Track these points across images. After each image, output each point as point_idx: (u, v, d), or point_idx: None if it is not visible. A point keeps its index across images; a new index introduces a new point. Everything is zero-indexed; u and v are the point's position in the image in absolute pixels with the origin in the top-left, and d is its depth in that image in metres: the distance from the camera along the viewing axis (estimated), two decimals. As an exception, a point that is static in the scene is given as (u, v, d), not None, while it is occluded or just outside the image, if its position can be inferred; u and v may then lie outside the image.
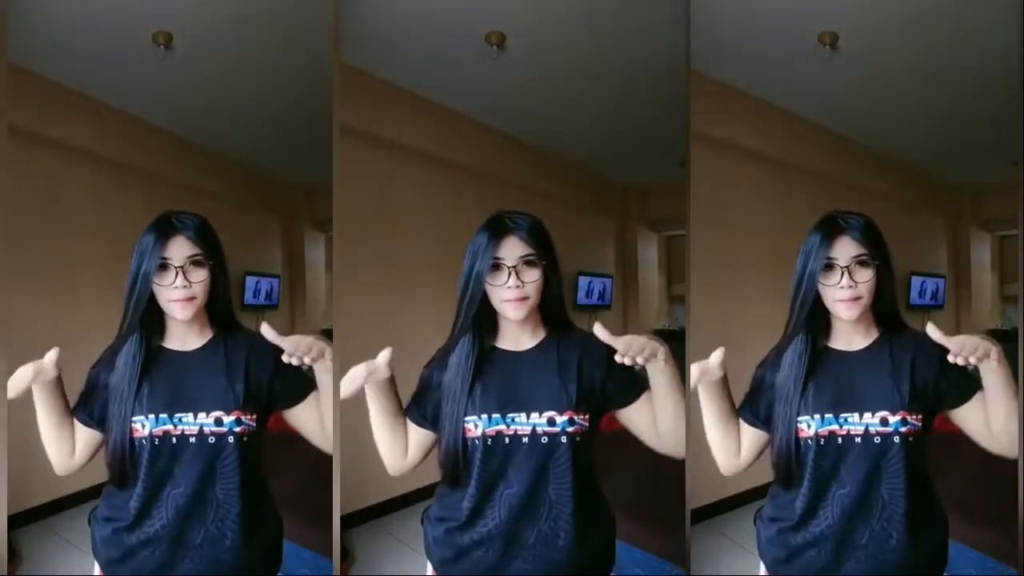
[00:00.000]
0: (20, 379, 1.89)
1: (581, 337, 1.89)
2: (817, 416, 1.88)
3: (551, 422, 1.86)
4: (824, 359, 1.90)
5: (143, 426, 1.89)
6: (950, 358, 1.77)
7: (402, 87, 2.65)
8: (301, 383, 1.94)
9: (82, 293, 2.58)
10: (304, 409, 1.96)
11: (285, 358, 1.85)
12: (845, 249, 1.86)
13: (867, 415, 1.86)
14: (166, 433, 1.89)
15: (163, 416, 1.89)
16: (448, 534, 1.91)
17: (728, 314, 2.55)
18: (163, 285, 1.87)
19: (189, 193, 2.69)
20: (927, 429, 1.88)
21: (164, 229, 1.89)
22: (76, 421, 1.96)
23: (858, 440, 1.87)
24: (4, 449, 2.30)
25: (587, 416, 1.88)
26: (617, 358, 1.80)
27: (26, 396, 1.92)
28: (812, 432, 1.88)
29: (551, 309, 1.91)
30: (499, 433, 1.87)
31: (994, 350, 1.76)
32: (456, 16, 2.56)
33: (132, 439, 1.89)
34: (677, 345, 2.39)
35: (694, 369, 1.94)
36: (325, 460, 2.28)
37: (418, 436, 1.97)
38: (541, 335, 1.92)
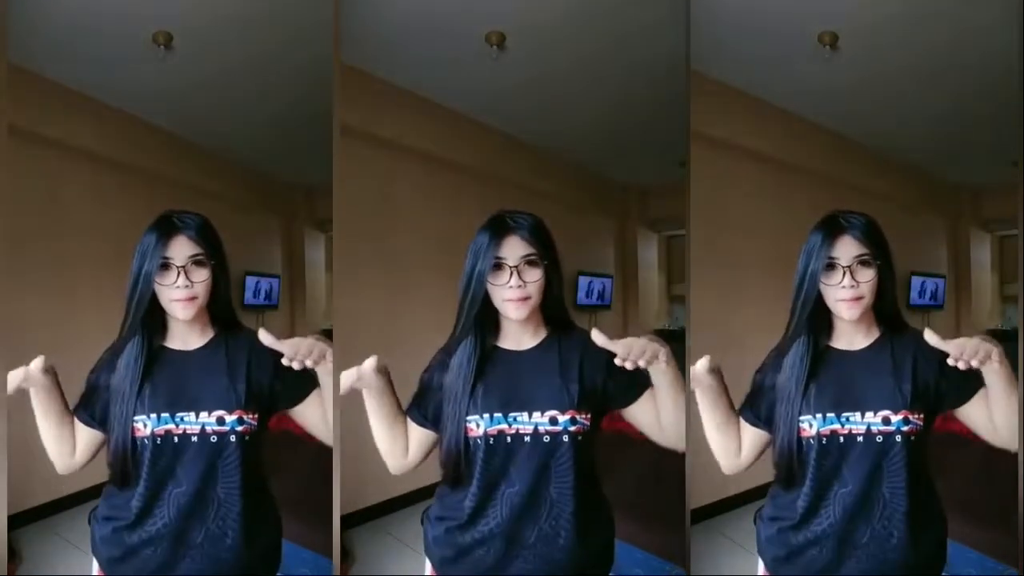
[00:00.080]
0: (10, 382, 1.90)
1: (582, 337, 1.90)
2: (819, 415, 1.88)
3: (553, 421, 1.87)
4: (825, 359, 1.90)
5: (145, 425, 1.89)
6: (950, 362, 1.76)
7: (402, 87, 2.65)
8: (303, 382, 1.94)
9: (82, 293, 2.58)
10: (308, 406, 1.96)
11: (285, 362, 1.84)
12: (847, 249, 1.86)
13: (869, 414, 1.86)
14: (168, 432, 1.89)
15: (165, 415, 1.89)
16: (448, 533, 1.91)
17: (728, 314, 2.55)
18: (165, 285, 1.87)
19: (189, 193, 2.69)
20: (928, 428, 1.88)
21: (166, 229, 1.89)
22: (77, 421, 1.96)
23: (860, 439, 1.87)
24: (4, 449, 2.30)
25: (589, 415, 1.88)
26: (617, 362, 1.80)
27: (22, 397, 1.92)
28: (814, 431, 1.88)
29: (552, 309, 1.91)
30: (501, 432, 1.88)
31: (995, 351, 1.76)
32: (456, 16, 2.56)
33: (134, 438, 1.89)
34: (677, 345, 2.39)
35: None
36: (325, 460, 2.28)
37: (419, 436, 1.97)
38: (542, 335, 1.92)
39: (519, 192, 2.77)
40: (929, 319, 2.70)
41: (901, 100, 2.69)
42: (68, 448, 1.97)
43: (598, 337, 1.79)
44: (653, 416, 1.90)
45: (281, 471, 2.05)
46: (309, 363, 1.84)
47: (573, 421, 1.87)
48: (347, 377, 1.92)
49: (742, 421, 1.99)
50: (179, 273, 1.87)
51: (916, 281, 2.71)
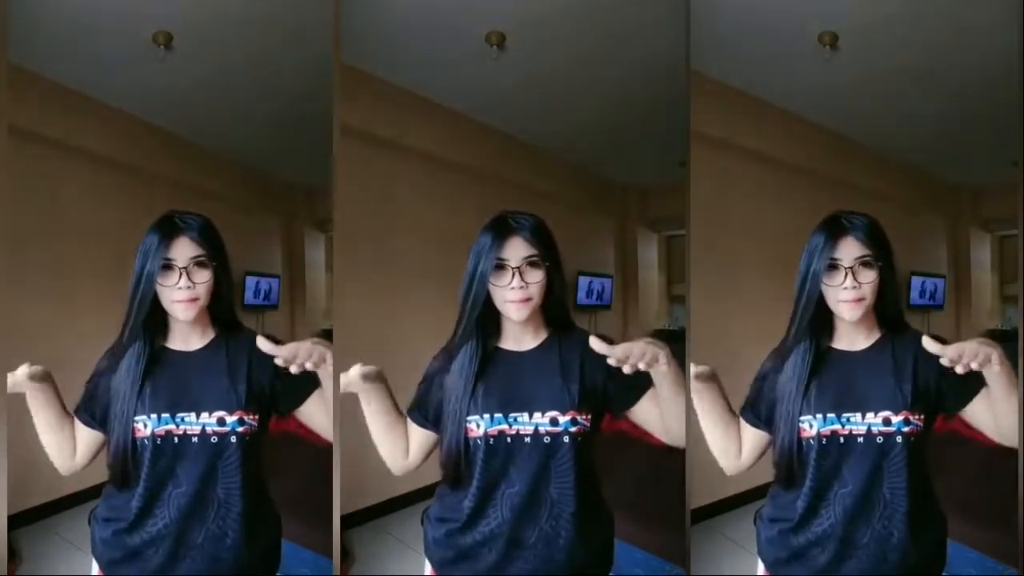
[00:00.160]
0: (8, 385, 1.91)
1: (583, 338, 1.89)
2: (819, 416, 1.88)
3: (554, 422, 1.86)
4: (826, 359, 1.90)
5: (145, 426, 1.89)
6: (946, 363, 1.75)
7: (402, 87, 2.65)
8: (303, 384, 1.93)
9: (81, 293, 2.58)
10: (311, 406, 1.96)
11: (282, 363, 1.83)
12: (849, 250, 1.86)
13: (870, 415, 1.86)
14: (168, 433, 1.89)
15: (165, 416, 1.89)
16: (449, 536, 1.91)
17: (728, 314, 2.55)
18: (166, 286, 1.87)
19: (189, 193, 2.69)
20: (928, 429, 1.88)
21: (168, 230, 1.89)
22: (77, 422, 1.96)
23: (860, 440, 1.87)
24: (4, 449, 2.30)
25: (589, 416, 1.88)
26: (613, 362, 1.78)
27: (21, 398, 1.93)
28: (814, 432, 1.88)
29: (553, 310, 1.91)
30: (501, 433, 1.87)
31: (994, 354, 1.75)
32: (456, 16, 2.56)
33: (134, 439, 1.89)
34: (677, 345, 2.39)
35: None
36: (325, 460, 2.28)
37: (420, 437, 1.97)
38: (543, 335, 1.92)
39: (519, 192, 2.77)
40: (929, 319, 2.70)
41: (901, 100, 2.69)
42: (69, 450, 1.97)
43: (596, 344, 1.78)
44: (656, 415, 1.90)
45: (281, 471, 2.05)
46: (309, 365, 1.84)
47: (574, 422, 1.87)
48: (341, 380, 1.93)
49: (742, 422, 1.99)
50: (181, 274, 1.87)
51: (916, 281, 2.71)
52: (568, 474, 1.87)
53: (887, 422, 1.85)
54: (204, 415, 1.89)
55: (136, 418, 1.89)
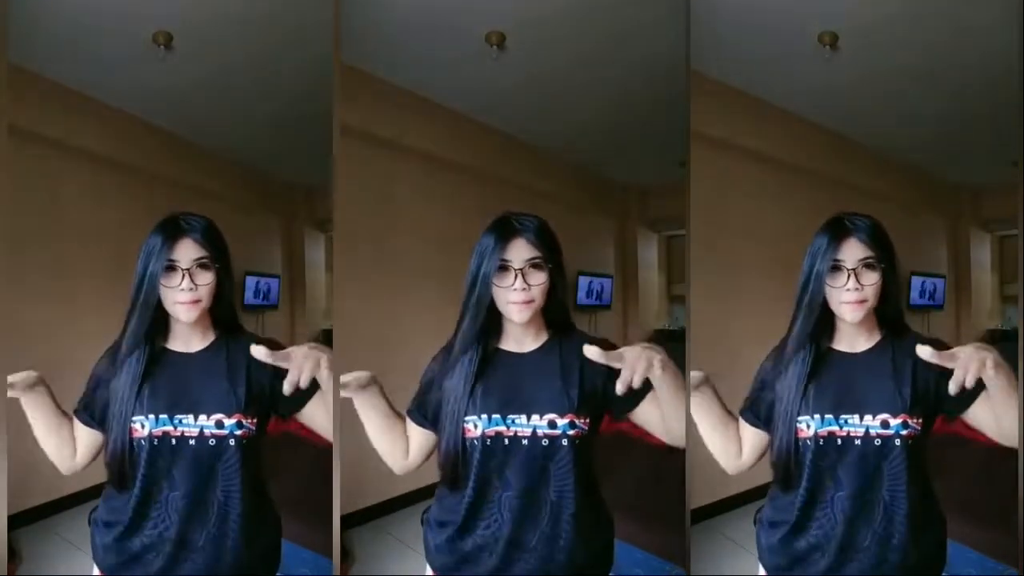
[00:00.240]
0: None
1: (583, 341, 1.89)
2: (817, 416, 1.88)
3: (552, 424, 1.86)
4: (826, 360, 1.90)
5: (143, 426, 1.89)
6: (952, 388, 1.73)
7: (402, 87, 2.65)
8: (303, 390, 1.93)
9: (81, 293, 2.58)
10: (311, 407, 1.95)
11: (288, 388, 1.83)
12: (852, 251, 1.85)
13: (868, 417, 1.86)
14: (166, 434, 1.89)
15: (163, 417, 1.89)
16: (449, 541, 1.90)
17: (728, 314, 2.55)
18: (169, 287, 1.87)
19: (189, 193, 2.69)
20: (927, 431, 1.88)
21: (172, 231, 1.89)
22: (77, 421, 1.96)
23: (858, 442, 1.86)
24: (4, 449, 2.30)
25: (587, 420, 1.88)
26: (620, 388, 1.78)
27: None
28: (811, 432, 1.88)
29: (555, 312, 1.90)
30: (499, 434, 1.87)
31: (989, 359, 1.73)
32: (456, 16, 2.56)
33: (131, 439, 1.89)
34: (677, 345, 2.39)
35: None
36: (325, 460, 2.28)
37: (419, 437, 1.97)
38: (544, 338, 1.91)
39: (519, 192, 2.76)
40: (929, 319, 2.70)
41: (901, 100, 2.69)
42: (68, 450, 1.97)
43: (592, 353, 1.76)
44: (657, 417, 1.90)
45: (281, 472, 2.05)
46: (304, 382, 1.83)
47: (572, 425, 1.86)
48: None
49: (742, 422, 1.99)
50: (184, 276, 1.87)
51: (916, 281, 2.71)
52: (566, 476, 1.86)
53: (885, 425, 1.85)
54: (202, 417, 1.89)
55: (134, 418, 1.89)
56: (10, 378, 1.90)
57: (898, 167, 2.81)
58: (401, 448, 1.98)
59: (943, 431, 1.91)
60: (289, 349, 1.85)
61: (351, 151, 2.42)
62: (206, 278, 1.88)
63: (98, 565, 1.95)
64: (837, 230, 1.87)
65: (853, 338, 1.90)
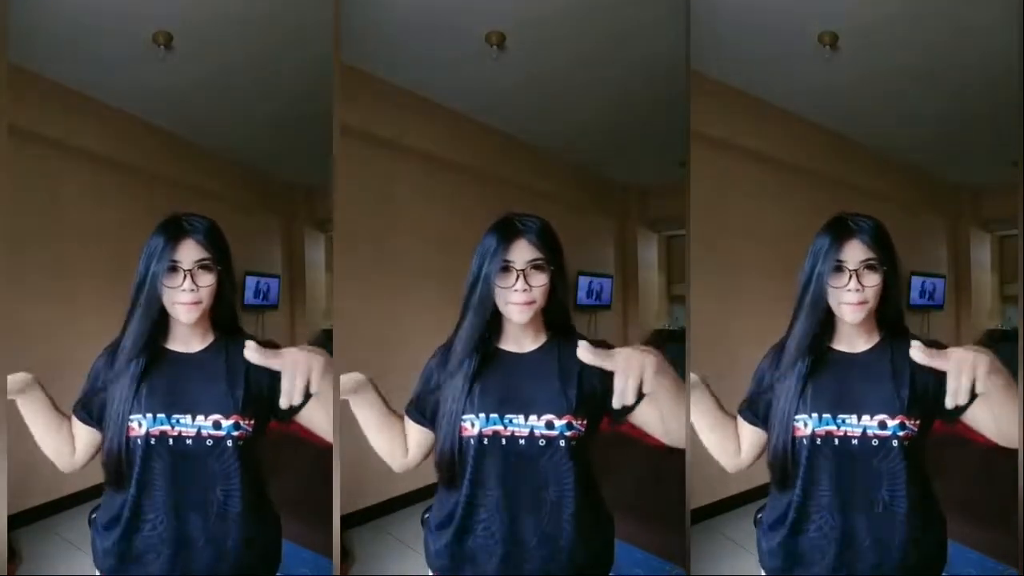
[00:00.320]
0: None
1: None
2: (815, 415, 1.88)
3: (549, 425, 1.86)
4: (825, 360, 1.90)
5: (140, 425, 1.89)
6: (948, 403, 1.73)
7: (402, 87, 2.65)
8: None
9: (81, 293, 2.58)
10: (309, 409, 1.95)
11: (284, 403, 1.83)
12: (854, 252, 1.85)
13: (866, 417, 1.86)
14: (163, 433, 1.89)
15: (160, 416, 1.89)
16: (449, 544, 1.90)
17: (728, 314, 2.55)
18: (171, 287, 1.87)
19: (189, 193, 2.69)
20: (924, 433, 1.87)
21: (174, 231, 1.89)
22: (76, 420, 1.96)
23: (855, 441, 1.86)
24: (4, 449, 2.30)
25: (585, 421, 1.88)
26: (616, 401, 1.78)
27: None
28: (808, 431, 1.88)
29: (555, 314, 1.90)
30: (496, 433, 1.87)
31: (982, 365, 1.72)
32: (456, 16, 2.56)
33: (128, 438, 1.89)
34: (677, 345, 2.39)
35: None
36: (325, 460, 2.28)
37: (418, 434, 1.97)
38: (543, 339, 1.91)
39: (519, 192, 2.76)
40: (929, 319, 2.70)
41: (901, 100, 2.69)
42: (68, 449, 1.97)
43: (585, 355, 1.76)
44: (656, 418, 1.90)
45: (281, 471, 2.05)
46: (297, 397, 1.83)
47: (569, 426, 1.86)
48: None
49: (741, 420, 1.99)
50: (185, 277, 1.87)
51: (916, 281, 2.71)
52: (564, 477, 1.86)
53: (883, 425, 1.85)
54: (200, 418, 1.89)
55: (131, 417, 1.89)
56: (7, 380, 1.91)
57: (898, 167, 2.81)
58: (400, 446, 1.98)
59: (943, 431, 1.91)
60: (282, 351, 1.85)
61: (351, 151, 2.42)
62: (207, 279, 1.88)
63: (99, 567, 1.95)
64: (840, 231, 1.87)
65: (853, 339, 1.90)
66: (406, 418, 1.98)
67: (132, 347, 1.90)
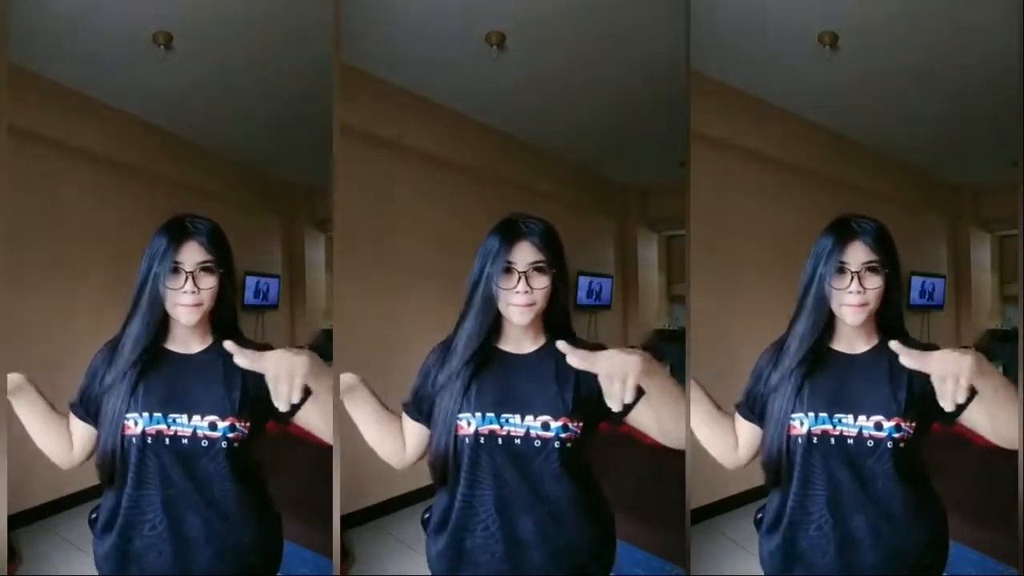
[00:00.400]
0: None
1: (582, 347, 1.89)
2: (811, 414, 1.88)
3: (545, 426, 1.86)
4: (824, 360, 1.90)
5: (136, 423, 1.89)
6: (947, 407, 1.74)
7: (402, 87, 2.65)
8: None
9: (81, 293, 2.58)
10: (305, 411, 1.95)
11: (284, 405, 1.83)
12: (857, 254, 1.86)
13: (862, 418, 1.86)
14: (159, 433, 1.89)
15: (157, 415, 1.89)
16: (449, 545, 1.90)
17: (728, 314, 2.55)
18: (172, 289, 1.87)
19: (189, 193, 2.69)
20: (919, 435, 1.87)
21: (177, 233, 1.89)
22: (73, 416, 1.96)
23: (850, 441, 1.87)
24: (4, 449, 2.30)
25: (580, 424, 1.88)
26: (615, 406, 1.79)
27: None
28: (804, 430, 1.89)
29: (555, 316, 1.91)
30: (492, 433, 1.87)
31: (966, 368, 1.70)
32: (456, 16, 2.56)
33: (123, 436, 1.89)
34: (677, 345, 2.39)
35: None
36: (325, 460, 2.28)
37: (415, 432, 1.97)
38: (542, 340, 1.91)
39: (519, 192, 2.76)
40: (929, 319, 2.70)
41: (901, 100, 2.68)
42: (66, 447, 1.98)
43: (572, 359, 1.76)
44: (654, 419, 1.90)
45: (281, 471, 2.05)
46: (284, 404, 1.83)
47: (565, 428, 1.86)
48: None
49: (739, 417, 2.00)
50: (187, 278, 1.87)
51: (916, 281, 2.71)
52: (560, 478, 1.87)
53: (879, 426, 1.85)
54: (196, 418, 1.89)
55: (127, 415, 1.89)
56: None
57: (898, 167, 2.81)
58: (398, 444, 1.98)
59: (942, 431, 1.91)
60: (265, 354, 1.84)
61: (351, 151, 2.42)
62: (209, 282, 1.89)
63: (98, 568, 1.95)
64: (843, 232, 1.87)
65: (852, 340, 1.90)
66: (403, 415, 1.98)
67: (132, 347, 1.90)
